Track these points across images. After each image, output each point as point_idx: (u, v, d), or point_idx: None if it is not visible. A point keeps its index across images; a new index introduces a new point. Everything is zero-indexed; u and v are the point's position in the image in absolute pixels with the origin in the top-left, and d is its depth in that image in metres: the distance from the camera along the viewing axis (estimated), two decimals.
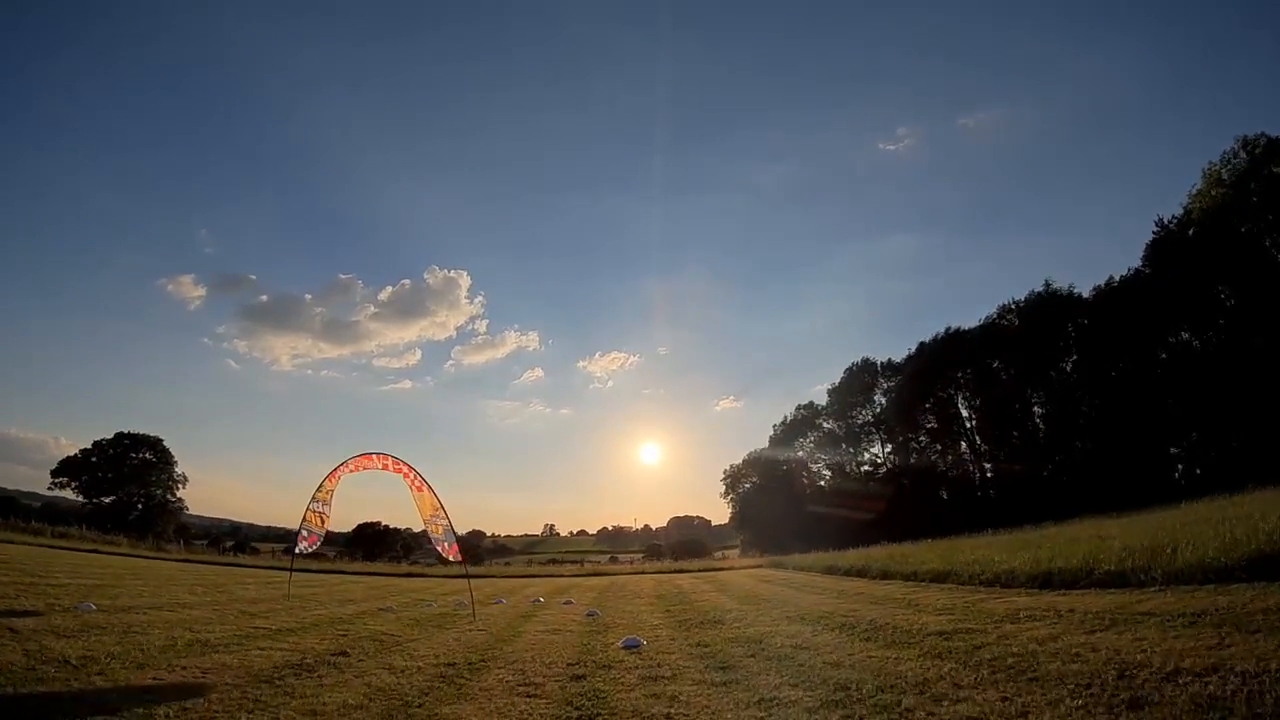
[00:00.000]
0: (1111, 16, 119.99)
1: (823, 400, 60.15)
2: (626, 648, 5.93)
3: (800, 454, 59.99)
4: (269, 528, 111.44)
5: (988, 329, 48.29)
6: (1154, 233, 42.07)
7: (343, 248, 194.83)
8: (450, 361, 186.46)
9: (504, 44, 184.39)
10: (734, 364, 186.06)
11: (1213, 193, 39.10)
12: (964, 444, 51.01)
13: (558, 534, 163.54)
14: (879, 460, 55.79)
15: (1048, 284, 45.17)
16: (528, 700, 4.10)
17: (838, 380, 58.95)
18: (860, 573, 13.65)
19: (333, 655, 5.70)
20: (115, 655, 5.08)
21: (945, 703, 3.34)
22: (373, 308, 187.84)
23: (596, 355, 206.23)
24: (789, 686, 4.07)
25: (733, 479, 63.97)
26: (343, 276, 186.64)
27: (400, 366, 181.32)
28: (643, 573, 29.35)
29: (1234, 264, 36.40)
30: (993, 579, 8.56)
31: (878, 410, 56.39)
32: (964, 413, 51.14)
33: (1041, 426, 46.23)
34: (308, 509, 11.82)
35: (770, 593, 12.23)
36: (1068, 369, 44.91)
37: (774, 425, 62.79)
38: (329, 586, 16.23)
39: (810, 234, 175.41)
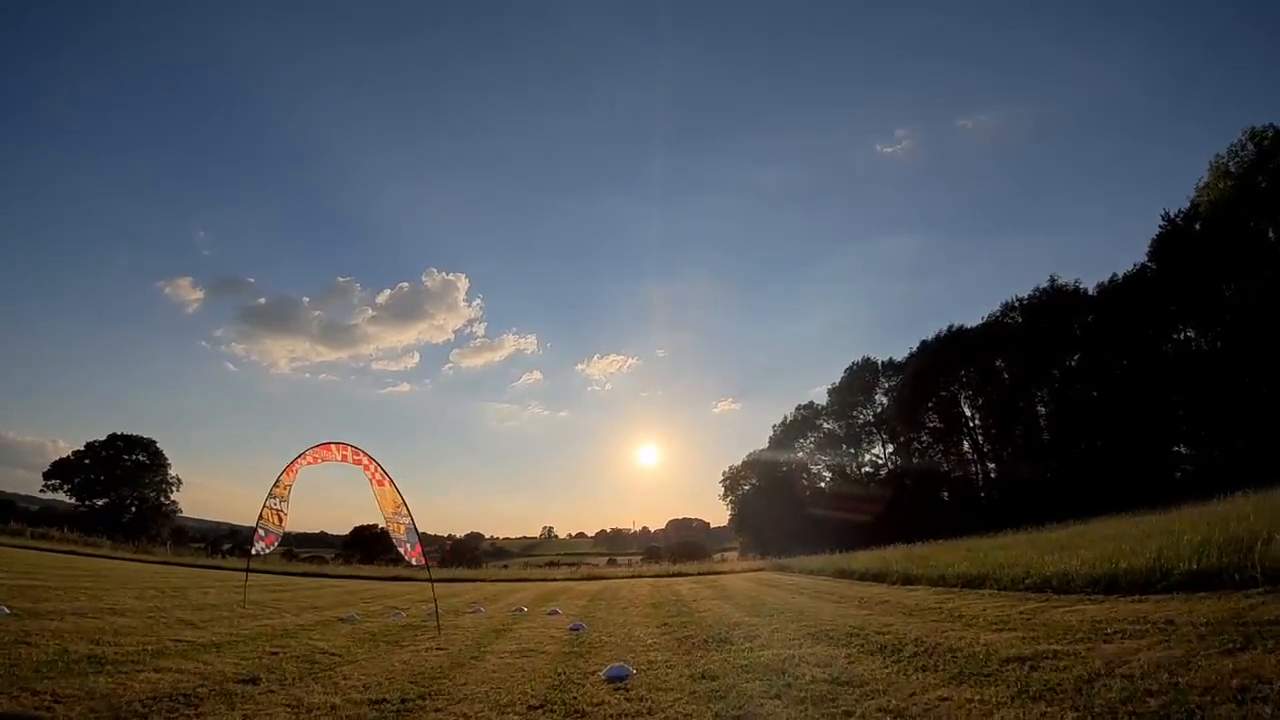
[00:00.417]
0: (1111, 16, 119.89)
1: (823, 401, 59.05)
2: (610, 680, 4.66)
3: (800, 455, 58.82)
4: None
5: (991, 327, 47.31)
6: (1160, 227, 41.25)
7: (341, 250, 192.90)
8: (448, 364, 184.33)
9: (503, 44, 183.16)
10: (733, 366, 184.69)
11: (1220, 185, 38.31)
12: (967, 444, 49.97)
13: (556, 536, 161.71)
14: (880, 461, 54.73)
15: (1053, 279, 44.26)
16: None
17: (838, 380, 57.88)
18: (878, 577, 12.32)
19: (238, 682, 4.50)
20: None
21: None
22: (371, 311, 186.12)
23: (595, 358, 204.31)
24: None
25: (732, 481, 62.76)
26: (341, 279, 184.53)
27: (398, 369, 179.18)
28: (640, 576, 28.06)
29: (1242, 257, 35.59)
30: (1040, 583, 7.36)
31: (879, 410, 55.30)
32: (967, 412, 50.14)
33: (1046, 425, 45.25)
34: (264, 506, 10.59)
35: (780, 600, 10.90)
36: (1072, 365, 43.95)
37: (773, 426, 61.67)
38: (299, 592, 14.94)
39: (809, 235, 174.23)
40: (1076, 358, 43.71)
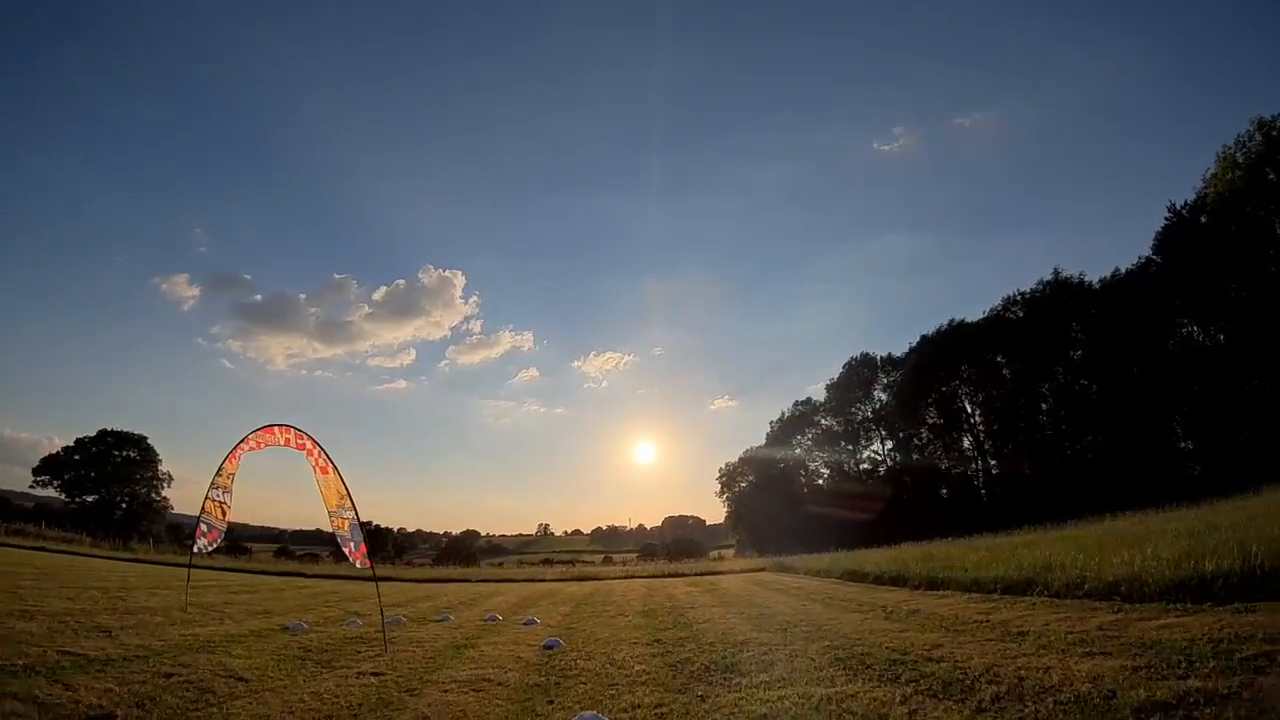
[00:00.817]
0: (1108, 14, 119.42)
1: (821, 397, 57.98)
2: None
3: (798, 452, 57.79)
4: (262, 528, 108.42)
5: (992, 321, 46.32)
6: (1166, 219, 40.36)
7: (337, 247, 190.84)
8: (445, 361, 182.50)
9: (501, 42, 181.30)
10: (729, 364, 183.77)
11: (1227, 176, 37.46)
12: (967, 440, 49.03)
13: (552, 534, 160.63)
14: (879, 458, 53.76)
15: (1057, 272, 43.31)
16: None
17: (836, 376, 56.81)
18: (896, 580, 11.03)
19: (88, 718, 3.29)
20: None
21: None
22: (367, 308, 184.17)
23: (592, 355, 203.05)
24: None
25: (728, 478, 61.68)
26: (337, 276, 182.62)
27: (395, 366, 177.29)
28: (633, 577, 26.85)
29: (1249, 249, 34.77)
30: (1105, 589, 6.22)
31: (878, 406, 54.32)
32: (968, 408, 49.19)
33: (1048, 422, 44.35)
34: (206, 498, 9.34)
35: (788, 608, 9.65)
36: (1075, 359, 43.04)
37: (771, 423, 60.57)
38: (261, 594, 13.67)
39: (807, 233, 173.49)
40: (1079, 353, 42.80)
